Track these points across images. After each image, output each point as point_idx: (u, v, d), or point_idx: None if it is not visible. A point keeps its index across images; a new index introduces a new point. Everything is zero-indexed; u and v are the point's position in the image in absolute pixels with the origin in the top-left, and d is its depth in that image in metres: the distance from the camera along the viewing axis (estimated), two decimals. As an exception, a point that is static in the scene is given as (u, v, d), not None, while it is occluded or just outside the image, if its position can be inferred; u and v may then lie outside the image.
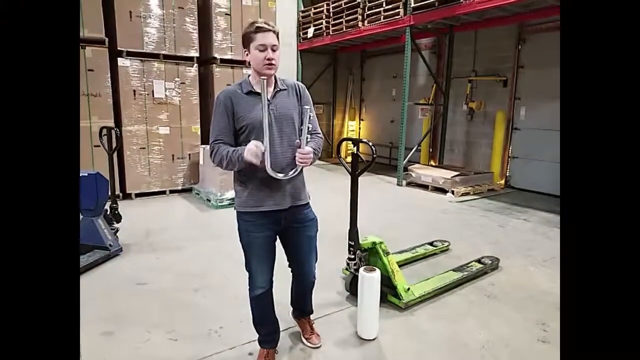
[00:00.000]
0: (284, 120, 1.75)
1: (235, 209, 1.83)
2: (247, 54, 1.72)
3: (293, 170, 1.76)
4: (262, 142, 1.64)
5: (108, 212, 3.59)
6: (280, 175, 1.72)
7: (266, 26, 1.65)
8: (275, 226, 1.82)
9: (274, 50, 1.67)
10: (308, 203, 1.92)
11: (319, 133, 1.89)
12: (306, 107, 1.71)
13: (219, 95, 1.73)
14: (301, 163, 1.71)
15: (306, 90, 1.88)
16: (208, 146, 1.75)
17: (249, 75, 1.78)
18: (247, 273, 1.87)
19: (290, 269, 2.04)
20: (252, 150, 1.61)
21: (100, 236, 3.25)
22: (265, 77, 1.65)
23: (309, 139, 1.73)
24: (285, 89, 1.80)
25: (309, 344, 2.14)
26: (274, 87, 1.77)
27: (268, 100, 1.71)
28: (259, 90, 1.70)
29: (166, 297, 2.68)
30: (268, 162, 1.67)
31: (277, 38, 1.70)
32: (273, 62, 1.67)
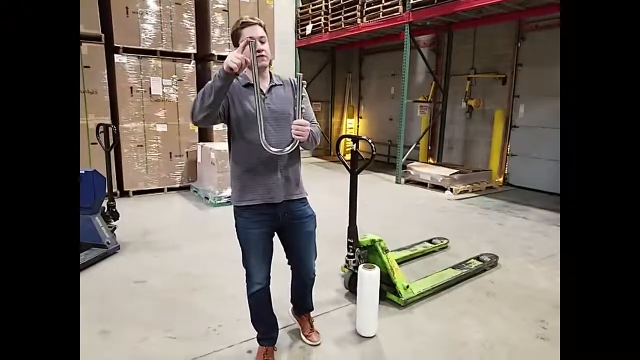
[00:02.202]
0: (279, 115, 1.74)
1: (232, 204, 1.82)
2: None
3: (290, 146, 1.69)
4: (258, 126, 1.61)
5: (105, 210, 3.56)
6: (273, 150, 1.64)
7: (251, 20, 1.68)
8: (273, 222, 1.81)
9: (262, 42, 1.67)
10: (305, 198, 1.90)
11: (315, 124, 1.86)
12: (299, 73, 1.65)
13: None
14: (297, 135, 1.63)
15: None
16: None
17: (244, 71, 1.75)
18: (244, 270, 1.86)
19: (289, 266, 2.03)
20: (234, 58, 1.48)
21: (98, 234, 3.23)
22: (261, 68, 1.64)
23: None
24: (280, 84, 1.79)
25: (308, 342, 2.13)
26: (269, 82, 1.76)
27: (263, 94, 1.71)
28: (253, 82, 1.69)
29: (164, 295, 2.67)
30: (262, 137, 1.61)
31: (265, 30, 1.71)
32: (263, 53, 1.67)
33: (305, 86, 1.71)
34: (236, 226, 1.81)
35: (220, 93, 1.55)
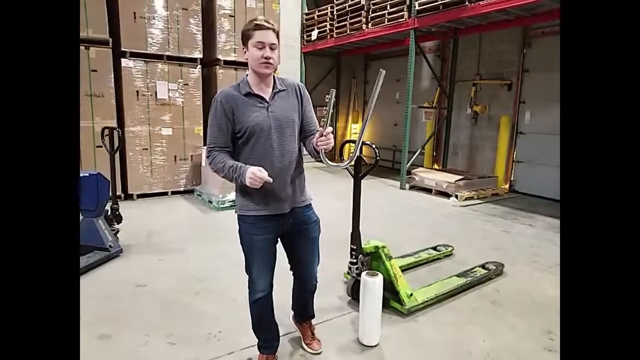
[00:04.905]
0: (284, 123, 1.71)
1: (235, 212, 1.80)
2: (245, 52, 1.67)
3: (323, 156, 1.72)
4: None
5: (109, 213, 3.57)
6: (332, 164, 1.78)
7: (265, 24, 1.61)
8: (278, 229, 1.79)
9: (272, 49, 1.63)
10: (310, 204, 1.89)
11: (318, 130, 1.82)
12: (333, 90, 1.63)
13: (216, 97, 1.68)
14: (325, 147, 1.63)
15: (306, 90, 1.85)
16: (207, 151, 1.74)
17: (246, 75, 1.73)
18: (247, 276, 1.84)
19: (291, 272, 2.01)
20: (255, 180, 1.56)
21: (101, 237, 3.23)
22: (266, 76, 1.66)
23: (311, 137, 1.75)
24: (284, 90, 1.75)
25: (309, 350, 2.10)
26: (273, 88, 1.72)
27: (267, 102, 1.70)
28: (258, 92, 1.69)
29: (166, 299, 2.65)
30: (323, 154, 1.72)
31: (277, 37, 1.66)
32: (271, 61, 1.63)
33: (309, 113, 1.79)
34: (240, 232, 1.79)
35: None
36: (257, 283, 1.80)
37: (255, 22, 1.61)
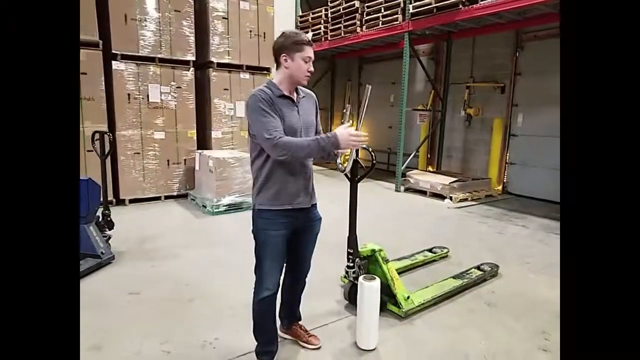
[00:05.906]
0: (309, 125, 1.87)
1: (255, 207, 1.83)
2: (285, 60, 1.75)
3: (353, 154, 2.04)
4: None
5: (100, 219, 3.51)
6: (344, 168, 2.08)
7: (311, 41, 1.81)
8: (293, 224, 1.85)
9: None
10: (316, 203, 2.00)
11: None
12: (368, 85, 1.90)
13: (255, 94, 1.72)
14: (356, 145, 1.83)
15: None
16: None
17: (272, 80, 1.82)
18: (252, 277, 1.86)
19: (285, 269, 2.02)
20: (355, 139, 1.74)
21: (92, 244, 3.17)
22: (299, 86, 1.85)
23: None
24: (304, 96, 1.89)
25: (310, 346, 2.13)
26: (297, 94, 1.85)
27: (296, 105, 1.82)
28: (287, 94, 1.80)
29: (160, 306, 2.61)
30: (339, 161, 2.00)
31: None
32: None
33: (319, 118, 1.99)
34: (256, 228, 1.83)
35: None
36: (265, 281, 1.82)
37: (305, 37, 1.78)
